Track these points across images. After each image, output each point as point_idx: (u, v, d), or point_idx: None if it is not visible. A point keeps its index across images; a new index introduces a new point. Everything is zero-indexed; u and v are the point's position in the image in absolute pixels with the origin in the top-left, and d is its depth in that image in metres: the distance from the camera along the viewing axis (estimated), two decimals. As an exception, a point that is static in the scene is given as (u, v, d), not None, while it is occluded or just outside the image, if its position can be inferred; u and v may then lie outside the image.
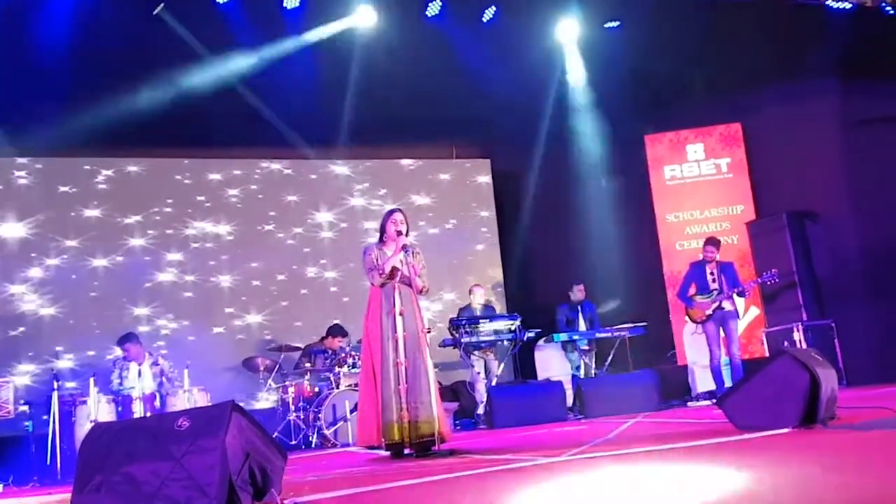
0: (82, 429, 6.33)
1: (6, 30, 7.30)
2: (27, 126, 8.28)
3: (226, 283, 9.38)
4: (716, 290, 7.46)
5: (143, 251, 9.12)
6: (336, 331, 8.31)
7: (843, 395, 4.72)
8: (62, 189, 8.96)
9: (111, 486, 2.65)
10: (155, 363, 7.43)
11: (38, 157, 8.93)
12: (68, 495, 2.80)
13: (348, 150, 10.11)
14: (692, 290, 7.65)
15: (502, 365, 8.44)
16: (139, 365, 7.29)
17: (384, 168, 10.42)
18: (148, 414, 6.51)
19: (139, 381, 7.08)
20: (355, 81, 9.06)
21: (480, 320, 8.13)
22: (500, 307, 10.09)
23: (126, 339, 7.44)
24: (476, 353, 8.18)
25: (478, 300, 8.61)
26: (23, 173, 8.85)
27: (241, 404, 2.92)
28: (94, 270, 8.87)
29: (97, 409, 6.35)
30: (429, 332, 4.81)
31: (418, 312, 4.89)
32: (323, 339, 8.35)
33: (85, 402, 6.49)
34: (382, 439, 4.66)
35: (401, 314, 4.77)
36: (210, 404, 6.46)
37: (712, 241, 7.75)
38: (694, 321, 7.67)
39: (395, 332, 4.75)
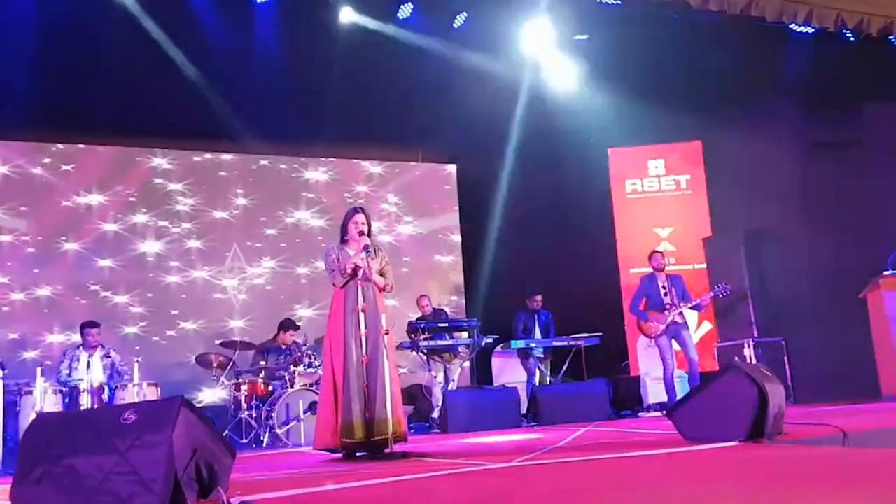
0: (27, 419, 6.18)
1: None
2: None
3: (182, 278, 9.25)
4: (669, 304, 7.56)
5: (102, 239, 8.95)
6: (287, 325, 8.24)
7: (791, 412, 4.81)
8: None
9: (53, 478, 2.58)
10: (106, 355, 7.30)
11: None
12: (8, 487, 2.73)
13: (314, 150, 10.05)
14: (643, 304, 7.76)
15: (459, 370, 8.44)
16: (90, 356, 7.15)
17: (349, 169, 10.37)
18: (95, 406, 6.38)
19: (88, 372, 6.94)
20: (324, 81, 9.02)
21: (439, 324, 8.14)
22: (460, 312, 10.11)
23: (90, 324, 7.34)
24: (436, 357, 8.18)
25: (427, 309, 8.64)
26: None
27: (192, 401, 2.87)
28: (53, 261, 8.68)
29: (43, 400, 6.20)
30: (386, 333, 4.78)
31: (381, 312, 4.87)
32: (276, 336, 8.28)
33: (31, 393, 6.34)
34: (341, 439, 4.63)
35: (363, 311, 4.76)
36: (157, 399, 6.37)
37: (659, 253, 7.93)
38: (647, 336, 7.77)
39: (359, 329, 4.73)
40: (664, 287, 7.65)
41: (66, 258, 8.74)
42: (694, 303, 7.66)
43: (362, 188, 10.32)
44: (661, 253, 7.91)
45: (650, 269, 7.93)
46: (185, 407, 2.74)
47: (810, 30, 8.21)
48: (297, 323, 8.42)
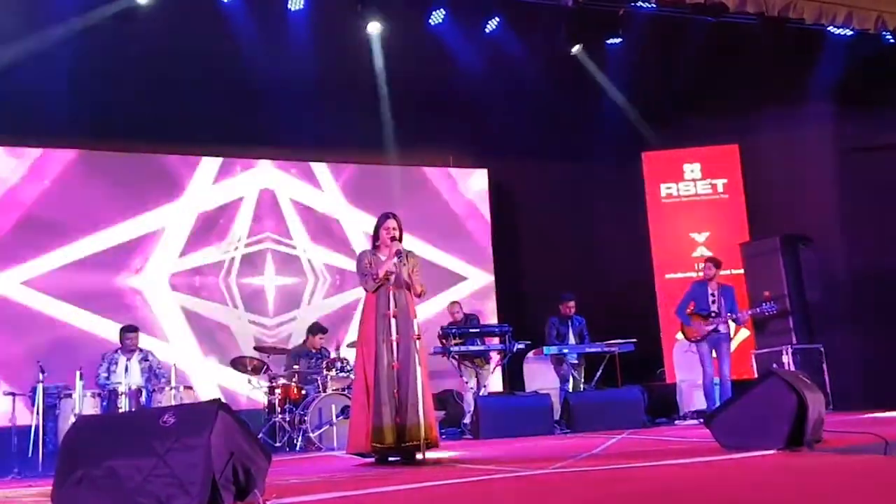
0: (66, 422, 6.28)
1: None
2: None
3: (217, 283, 9.36)
4: (715, 312, 7.50)
5: (130, 246, 9.09)
6: (315, 329, 8.30)
7: (830, 420, 4.73)
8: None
9: (93, 480, 2.63)
10: (144, 359, 7.40)
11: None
12: (49, 488, 2.77)
13: (344, 155, 10.10)
14: (690, 309, 7.70)
15: (491, 376, 8.42)
16: (128, 359, 7.27)
17: (380, 173, 10.39)
18: (133, 409, 6.47)
19: (126, 376, 7.04)
20: (354, 85, 9.07)
21: (471, 330, 8.12)
22: (492, 317, 10.09)
23: (129, 328, 7.47)
24: (467, 362, 8.16)
25: (457, 315, 8.61)
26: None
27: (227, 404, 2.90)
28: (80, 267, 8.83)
29: (81, 403, 6.30)
30: (418, 338, 4.78)
31: (412, 317, 4.88)
32: (305, 340, 8.34)
33: (70, 396, 6.45)
34: (372, 444, 4.64)
35: (394, 317, 4.77)
36: (196, 402, 6.44)
37: (712, 260, 7.82)
38: (688, 339, 7.73)
39: (391, 334, 4.74)
40: (713, 295, 7.61)
41: (103, 262, 8.87)
42: (736, 316, 7.60)
43: (393, 193, 10.32)
44: (712, 262, 7.79)
45: (695, 274, 7.90)
46: (222, 410, 2.77)
47: (849, 32, 8.07)
48: (327, 328, 8.48)
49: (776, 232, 9.24)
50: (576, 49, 9.38)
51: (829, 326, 8.93)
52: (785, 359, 8.52)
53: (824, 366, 8.51)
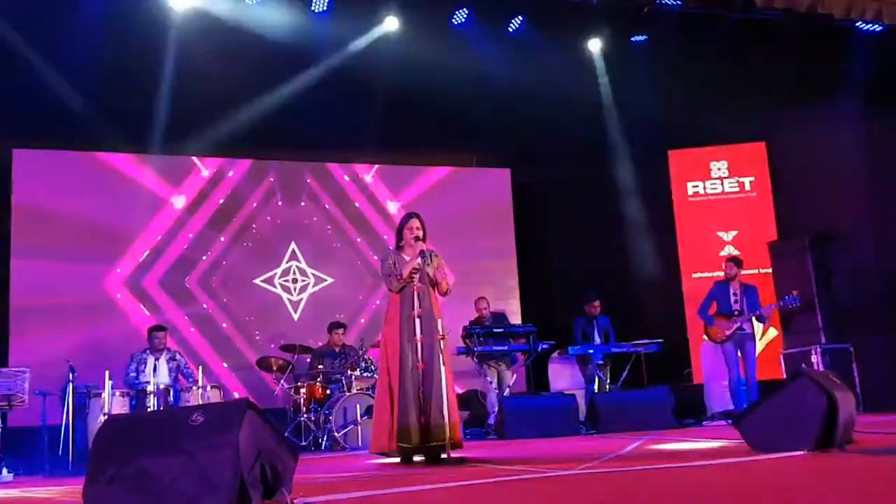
0: (95, 421, 6.36)
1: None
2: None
3: (242, 284, 9.43)
4: (737, 311, 7.43)
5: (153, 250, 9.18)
6: (334, 325, 8.37)
7: (861, 420, 4.66)
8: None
9: (123, 478, 2.65)
10: (172, 358, 7.50)
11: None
12: (78, 487, 2.81)
13: (368, 156, 10.13)
14: (713, 309, 7.63)
15: (514, 375, 8.40)
16: (156, 359, 7.35)
17: (403, 174, 10.41)
18: (161, 408, 6.54)
19: (154, 375, 7.11)
20: (379, 86, 9.09)
21: (495, 330, 8.10)
22: (515, 318, 10.06)
23: (157, 328, 7.59)
24: (490, 362, 8.14)
25: (485, 312, 8.57)
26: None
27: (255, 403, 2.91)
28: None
29: (110, 403, 6.38)
30: (442, 338, 4.78)
31: (437, 317, 4.87)
32: (328, 340, 8.39)
33: (99, 395, 6.53)
34: (397, 444, 4.64)
35: (419, 317, 4.77)
36: (224, 401, 6.49)
37: (734, 260, 7.77)
38: (712, 340, 7.65)
39: (415, 334, 4.74)
40: (735, 294, 7.55)
41: (129, 264, 8.97)
42: (758, 312, 7.52)
43: (417, 193, 10.34)
44: (733, 262, 7.74)
45: (722, 274, 7.85)
46: (250, 409, 2.78)
47: (878, 27, 7.96)
48: (345, 323, 8.60)
49: (804, 231, 9.13)
50: (594, 46, 9.32)
51: (859, 326, 8.80)
52: (814, 359, 8.41)
53: (854, 366, 8.40)
